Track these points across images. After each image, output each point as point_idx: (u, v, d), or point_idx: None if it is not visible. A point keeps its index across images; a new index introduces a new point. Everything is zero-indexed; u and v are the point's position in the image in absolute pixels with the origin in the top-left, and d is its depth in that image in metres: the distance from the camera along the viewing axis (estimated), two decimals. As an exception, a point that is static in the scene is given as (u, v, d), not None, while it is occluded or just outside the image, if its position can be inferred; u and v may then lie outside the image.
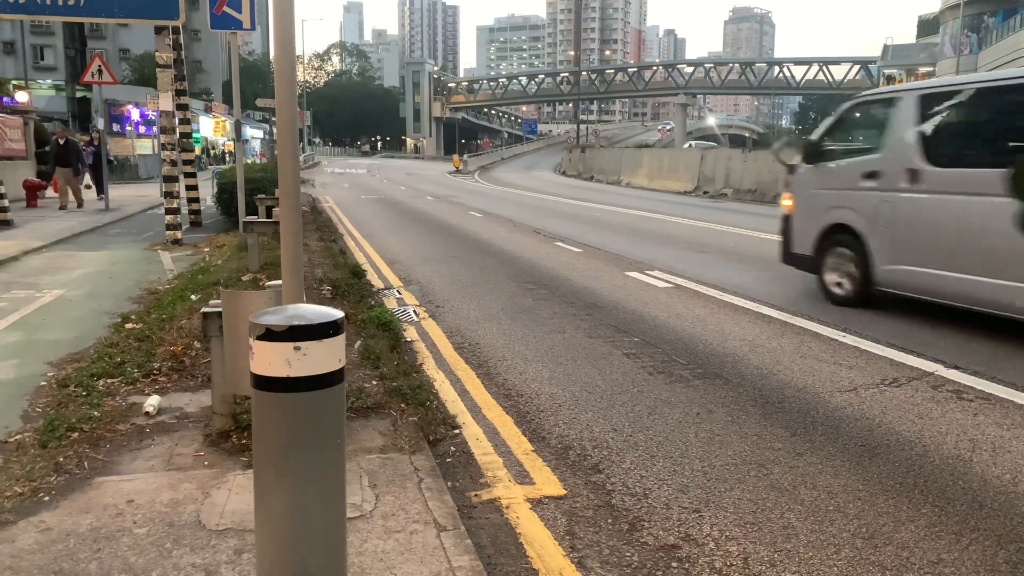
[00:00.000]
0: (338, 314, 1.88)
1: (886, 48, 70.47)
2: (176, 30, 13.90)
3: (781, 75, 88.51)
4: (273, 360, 1.80)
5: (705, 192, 29.29)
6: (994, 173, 6.38)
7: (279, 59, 3.32)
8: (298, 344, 1.79)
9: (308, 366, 1.80)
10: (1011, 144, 6.56)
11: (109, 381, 5.10)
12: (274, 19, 3.29)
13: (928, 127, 7.20)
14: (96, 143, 21.57)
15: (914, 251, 7.24)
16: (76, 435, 4.16)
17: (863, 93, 9.01)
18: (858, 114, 8.76)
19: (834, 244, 8.18)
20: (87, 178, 21.21)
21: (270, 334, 1.79)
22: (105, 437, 4.19)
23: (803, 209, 8.71)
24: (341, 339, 1.87)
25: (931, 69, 59.13)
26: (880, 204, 7.59)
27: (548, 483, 3.91)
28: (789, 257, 8.97)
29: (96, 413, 4.48)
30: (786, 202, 9.10)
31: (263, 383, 1.82)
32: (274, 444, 1.85)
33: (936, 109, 7.18)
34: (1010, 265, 6.28)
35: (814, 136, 8.95)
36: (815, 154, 8.63)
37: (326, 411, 1.87)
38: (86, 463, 3.87)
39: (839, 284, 8.10)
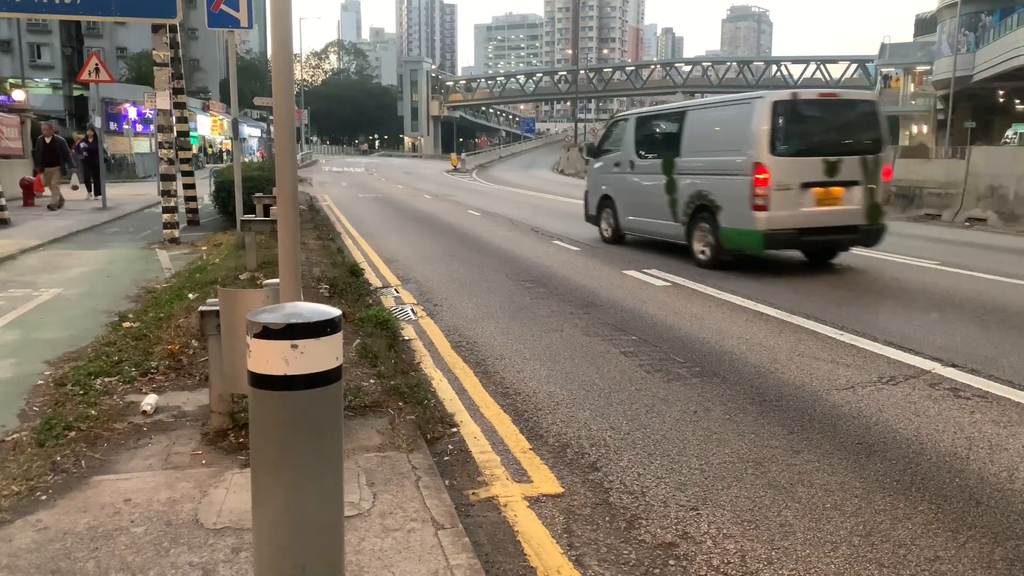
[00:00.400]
0: (335, 312, 1.88)
1: (883, 47, 70.49)
2: (173, 28, 13.88)
3: (779, 74, 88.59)
4: (270, 358, 1.80)
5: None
6: (658, 162, 11.68)
7: (277, 57, 3.31)
8: (295, 342, 1.79)
9: (306, 364, 1.80)
10: (665, 145, 11.84)
11: (107, 380, 5.09)
12: (271, 18, 3.29)
13: (639, 136, 12.64)
14: (91, 139, 21.43)
15: (633, 207, 12.55)
16: (73, 434, 4.15)
17: (617, 114, 14.89)
18: (614, 128, 13.78)
19: (604, 207, 13.51)
20: (75, 178, 20.95)
21: (267, 332, 1.79)
22: (102, 436, 4.18)
23: (590, 186, 14.15)
24: (338, 337, 1.87)
25: (928, 67, 59.20)
26: (619, 180, 13.03)
27: (546, 481, 3.91)
28: (588, 217, 14.28)
29: (93, 412, 4.48)
30: (585, 182, 14.79)
31: (260, 381, 1.82)
32: (272, 443, 1.85)
33: (642, 125, 12.74)
34: (664, 212, 11.39)
35: (595, 141, 14.90)
36: (595, 152, 14.19)
37: (324, 409, 1.87)
38: (83, 462, 3.87)
39: (606, 231, 13.55)
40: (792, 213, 9.57)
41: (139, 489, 3.58)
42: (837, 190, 9.76)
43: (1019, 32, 43.70)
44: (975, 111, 50.65)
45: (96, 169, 20.60)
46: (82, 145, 22.10)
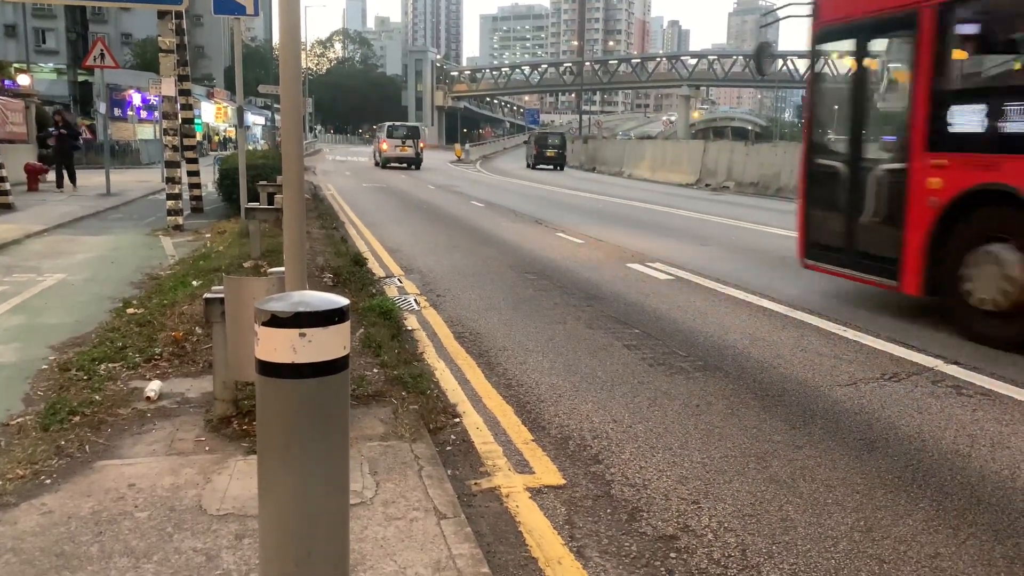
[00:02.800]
0: (343, 301, 1.89)
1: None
2: (179, 15, 13.86)
3: (785, 68, 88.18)
4: (278, 346, 1.80)
5: (707, 185, 29.26)
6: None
7: (285, 46, 3.31)
8: (303, 331, 1.80)
9: (313, 353, 1.81)
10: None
11: (110, 365, 5.11)
12: (280, 6, 3.28)
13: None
14: (60, 125, 19.87)
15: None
16: (77, 419, 4.17)
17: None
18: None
19: None
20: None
21: (276, 320, 1.80)
22: (106, 421, 4.20)
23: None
24: (346, 326, 1.88)
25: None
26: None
27: (548, 472, 3.93)
28: None
29: (97, 397, 4.49)
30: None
31: (268, 369, 1.83)
32: (278, 430, 1.86)
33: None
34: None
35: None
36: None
37: (331, 397, 1.87)
38: (87, 447, 3.88)
39: None
40: None
41: (143, 474, 3.60)
42: None
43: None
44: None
45: (67, 157, 19.73)
46: (51, 131, 20.49)
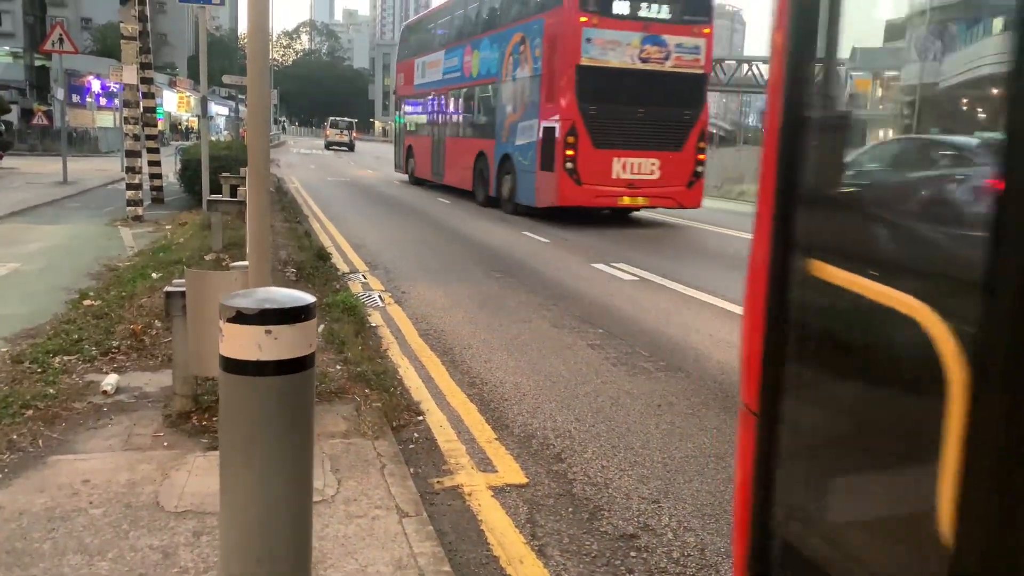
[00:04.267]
0: (310, 299, 1.88)
1: (854, 51, 71.44)
2: (142, 1, 13.59)
3: (750, 73, 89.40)
4: (243, 343, 1.78)
5: (672, 186, 29.51)
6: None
7: (252, 38, 3.26)
8: (269, 328, 1.78)
9: (279, 350, 1.79)
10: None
11: (66, 358, 5.00)
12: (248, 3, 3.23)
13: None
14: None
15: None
16: (31, 412, 4.07)
17: None
18: None
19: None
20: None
21: (241, 317, 1.78)
22: (61, 415, 4.11)
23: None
24: (313, 324, 1.86)
25: (897, 74, 60.11)
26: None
27: (510, 471, 3.94)
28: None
29: (52, 391, 4.40)
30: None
31: (233, 366, 1.81)
32: (242, 428, 1.84)
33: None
34: None
35: None
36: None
37: (296, 396, 1.86)
38: (40, 441, 3.80)
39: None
40: None
41: (98, 470, 3.53)
42: None
43: (986, 42, 44.67)
44: (940, 117, 51.69)
45: None
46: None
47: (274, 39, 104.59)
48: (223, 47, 79.65)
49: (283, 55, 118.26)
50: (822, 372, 1.80)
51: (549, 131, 14.17)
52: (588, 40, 13.50)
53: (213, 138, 18.45)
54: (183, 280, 4.04)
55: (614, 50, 13.67)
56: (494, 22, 17.28)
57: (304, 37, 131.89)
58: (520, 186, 15.56)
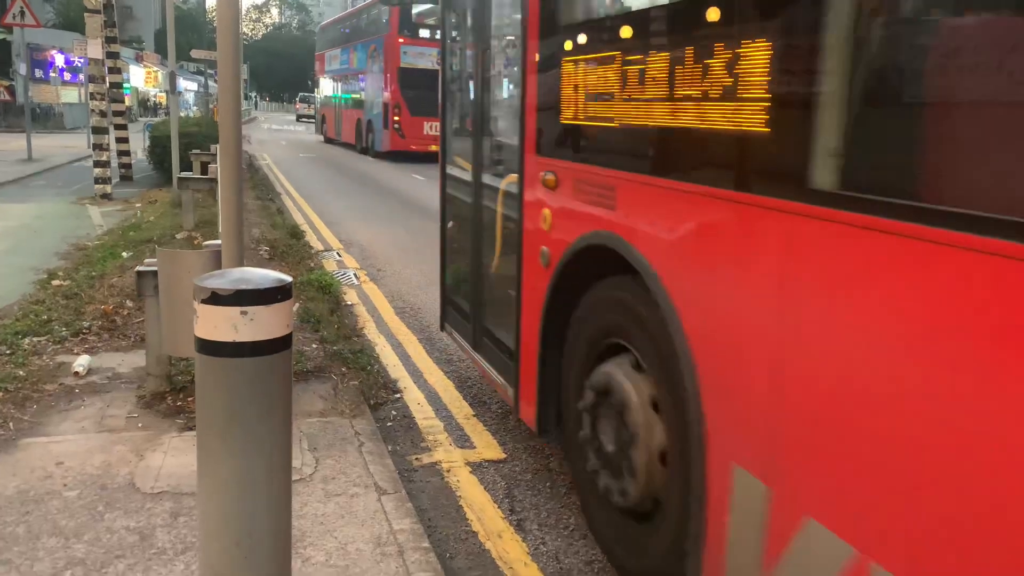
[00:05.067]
0: (287, 279, 1.86)
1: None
2: (106, -27, 13.25)
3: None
4: (219, 324, 1.76)
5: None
6: None
7: (222, 13, 3.20)
8: (245, 308, 1.76)
9: (255, 331, 1.77)
10: None
11: (35, 340, 4.93)
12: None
13: None
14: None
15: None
16: (1, 395, 4.02)
17: None
18: None
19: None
20: None
21: (216, 298, 1.76)
22: (32, 397, 4.06)
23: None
24: (289, 304, 1.85)
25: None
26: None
27: (488, 447, 3.96)
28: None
29: (22, 372, 4.34)
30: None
31: (208, 348, 1.79)
32: (219, 410, 1.83)
33: None
34: None
35: None
36: None
37: (273, 377, 1.85)
38: (11, 424, 3.75)
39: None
40: None
41: (72, 452, 3.50)
42: None
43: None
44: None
45: None
46: None
47: (243, 13, 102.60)
48: (191, 21, 77.93)
49: (252, 29, 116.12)
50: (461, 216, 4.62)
51: (386, 106, 22.95)
52: (404, 52, 22.30)
53: (182, 114, 18.11)
54: (155, 260, 3.99)
55: (421, 58, 22.19)
56: (362, 34, 26.58)
57: (274, 11, 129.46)
58: (376, 139, 24.48)
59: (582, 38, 2.94)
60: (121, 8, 17.26)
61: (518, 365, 3.60)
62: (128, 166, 15.49)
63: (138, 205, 11.77)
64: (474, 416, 4.35)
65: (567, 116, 3.01)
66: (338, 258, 8.65)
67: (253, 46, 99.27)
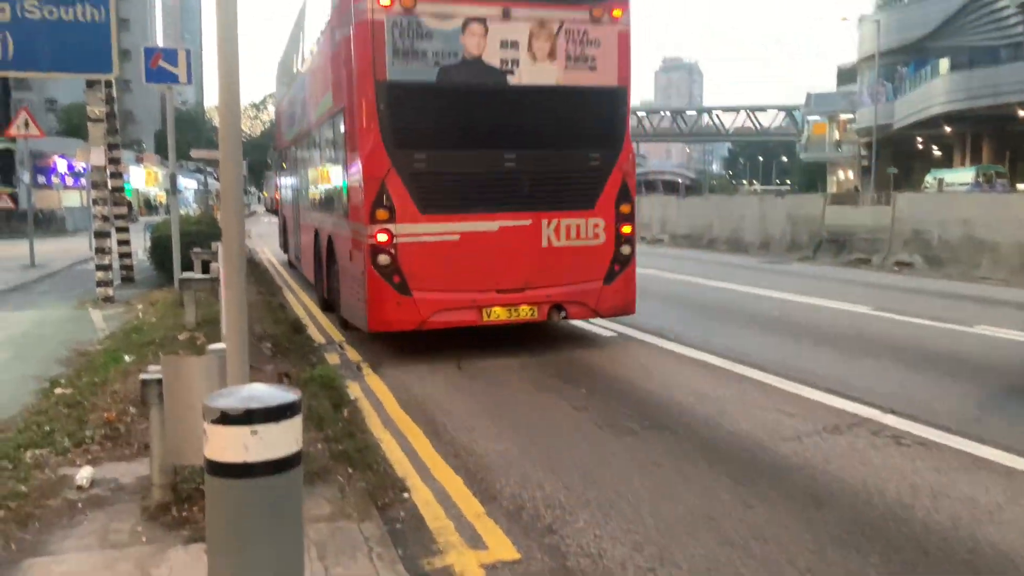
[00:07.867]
0: (294, 396, 1.84)
1: (809, 96, 73.78)
2: (109, 83, 13.66)
3: (710, 122, 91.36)
4: (228, 445, 1.74)
5: (643, 238, 29.85)
6: None
7: (224, 118, 3.27)
8: (255, 428, 1.74)
9: (265, 450, 1.75)
10: None
11: (38, 452, 4.85)
12: (219, 78, 3.25)
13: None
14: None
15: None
16: (2, 513, 3.93)
17: None
18: None
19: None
20: None
21: (225, 418, 1.74)
22: (34, 515, 3.97)
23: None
24: (298, 420, 1.83)
25: (852, 116, 62.02)
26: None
27: (502, 547, 3.85)
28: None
29: (24, 488, 4.25)
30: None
31: (218, 469, 1.76)
32: (230, 530, 1.79)
33: None
34: None
35: None
36: None
37: (284, 495, 1.81)
38: (13, 544, 3.66)
39: None
40: None
41: (75, 572, 3.40)
42: None
43: (934, 83, 46.23)
44: (896, 157, 53.18)
45: None
46: None
47: (242, 112, 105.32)
48: (190, 120, 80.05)
49: (251, 127, 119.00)
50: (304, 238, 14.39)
51: None
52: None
53: (182, 211, 18.37)
54: (158, 367, 3.97)
55: None
56: None
57: (271, 108, 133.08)
58: None
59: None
60: (122, 113, 17.72)
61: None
62: (130, 267, 15.60)
63: (140, 306, 11.80)
64: (485, 513, 4.25)
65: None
66: (340, 351, 8.62)
67: (252, 143, 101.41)
